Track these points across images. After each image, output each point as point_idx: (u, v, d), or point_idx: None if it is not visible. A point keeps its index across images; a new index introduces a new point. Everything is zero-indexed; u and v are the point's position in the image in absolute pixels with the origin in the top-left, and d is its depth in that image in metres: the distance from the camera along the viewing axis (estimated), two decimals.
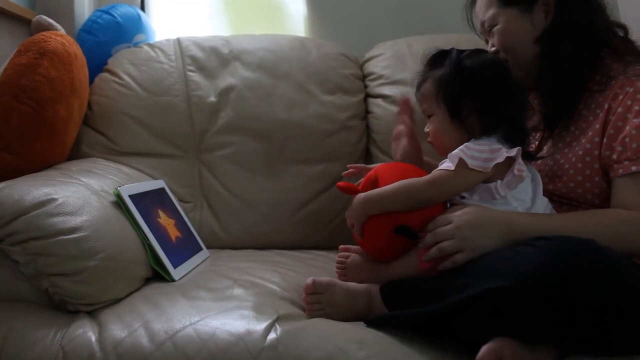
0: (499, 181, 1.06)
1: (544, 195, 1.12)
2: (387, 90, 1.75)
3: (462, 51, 1.15)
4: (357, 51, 1.88)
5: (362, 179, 1.19)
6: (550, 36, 1.17)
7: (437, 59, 1.17)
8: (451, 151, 1.08)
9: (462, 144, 1.07)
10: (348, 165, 1.34)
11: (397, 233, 1.07)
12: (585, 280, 0.84)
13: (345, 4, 2.06)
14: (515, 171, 1.05)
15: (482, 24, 1.26)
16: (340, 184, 1.16)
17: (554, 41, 1.17)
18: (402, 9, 2.03)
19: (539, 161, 1.21)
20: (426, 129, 1.19)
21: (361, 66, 1.86)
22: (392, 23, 2.01)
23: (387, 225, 1.08)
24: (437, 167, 1.10)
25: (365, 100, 1.79)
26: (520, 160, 1.06)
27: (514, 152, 1.05)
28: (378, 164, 1.28)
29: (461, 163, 1.04)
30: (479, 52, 1.16)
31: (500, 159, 1.03)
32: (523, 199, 1.07)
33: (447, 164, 1.06)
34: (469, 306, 0.90)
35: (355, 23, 2.05)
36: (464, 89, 1.11)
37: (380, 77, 1.79)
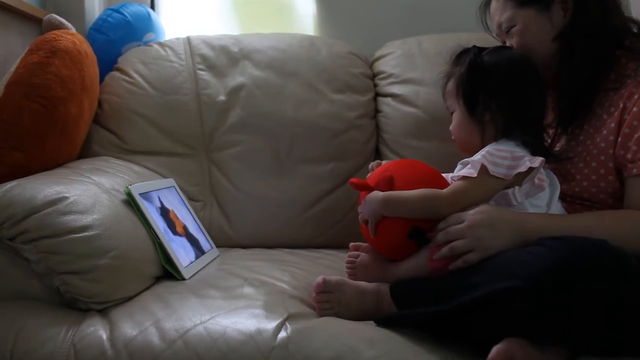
0: (517, 187, 1.05)
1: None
2: (396, 89, 1.74)
3: (483, 48, 1.17)
4: (367, 50, 1.88)
5: (372, 175, 1.18)
6: (569, 33, 1.17)
7: (460, 56, 1.19)
8: (470, 147, 1.11)
9: (480, 141, 1.09)
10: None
11: (410, 238, 1.07)
12: (596, 281, 0.84)
13: (354, 2, 2.05)
14: (536, 180, 1.05)
15: (499, 25, 1.25)
16: (352, 180, 1.15)
17: (572, 38, 1.16)
18: (412, 8, 2.01)
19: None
20: (451, 127, 1.20)
21: (371, 65, 1.86)
22: (401, 22, 2.01)
23: (402, 228, 1.08)
24: None
25: (374, 99, 1.79)
26: (541, 169, 1.06)
27: (537, 162, 1.04)
28: (387, 161, 1.27)
29: (483, 169, 1.04)
30: (500, 49, 1.18)
31: (523, 169, 1.03)
32: (540, 205, 1.07)
33: (468, 170, 1.06)
34: (479, 306, 0.90)
35: (365, 22, 2.04)
36: (479, 86, 1.12)
37: (390, 75, 1.78)
